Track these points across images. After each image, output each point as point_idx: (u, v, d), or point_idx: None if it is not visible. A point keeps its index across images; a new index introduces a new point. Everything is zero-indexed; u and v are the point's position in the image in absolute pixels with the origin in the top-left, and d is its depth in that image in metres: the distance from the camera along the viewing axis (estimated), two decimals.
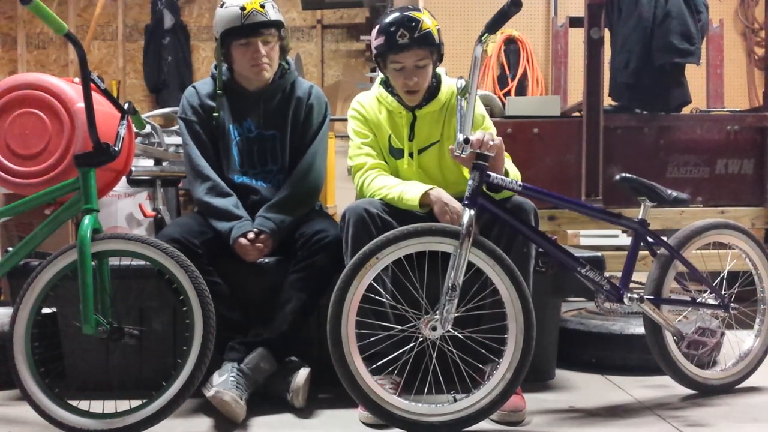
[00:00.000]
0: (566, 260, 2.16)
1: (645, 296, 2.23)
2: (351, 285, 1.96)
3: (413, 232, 1.97)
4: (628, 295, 2.19)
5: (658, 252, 2.32)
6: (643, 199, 2.28)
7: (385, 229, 2.10)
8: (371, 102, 2.43)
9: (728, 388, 2.38)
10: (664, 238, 2.36)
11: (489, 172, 2.03)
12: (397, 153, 2.41)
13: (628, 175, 2.26)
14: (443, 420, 1.95)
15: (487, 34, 2.02)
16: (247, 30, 2.36)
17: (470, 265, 1.98)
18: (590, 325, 2.66)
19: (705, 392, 2.34)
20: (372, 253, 1.96)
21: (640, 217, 2.27)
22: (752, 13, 4.88)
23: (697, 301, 2.38)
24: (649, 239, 2.30)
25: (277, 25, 2.41)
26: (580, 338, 2.65)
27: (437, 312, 1.95)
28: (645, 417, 2.14)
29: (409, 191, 2.24)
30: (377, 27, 2.29)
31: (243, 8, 2.34)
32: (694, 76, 3.82)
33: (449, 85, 2.40)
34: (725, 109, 3.86)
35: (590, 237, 3.52)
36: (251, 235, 2.30)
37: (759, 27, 4.79)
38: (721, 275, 2.45)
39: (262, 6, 2.36)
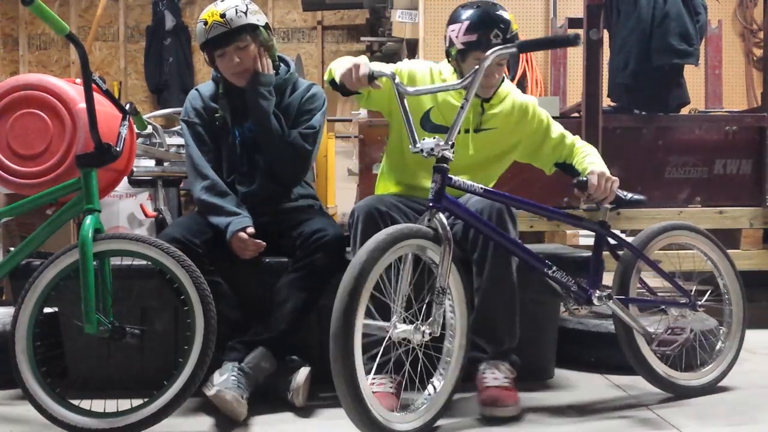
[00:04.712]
0: (531, 261, 2.14)
1: (613, 296, 2.23)
2: (355, 319, 1.81)
3: (390, 241, 1.86)
4: (597, 294, 2.19)
5: (621, 253, 2.33)
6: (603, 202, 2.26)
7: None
8: (425, 72, 2.39)
9: (707, 390, 2.36)
10: (630, 239, 2.38)
11: (451, 175, 2.01)
12: (435, 127, 2.35)
13: (582, 178, 2.23)
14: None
15: (515, 51, 2.03)
16: (213, 44, 2.38)
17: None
18: (589, 325, 2.67)
19: (681, 395, 2.32)
20: (363, 278, 1.81)
21: (599, 218, 2.28)
22: (751, 14, 4.90)
23: (665, 299, 2.39)
24: (611, 240, 2.31)
25: (246, 29, 2.36)
26: (579, 337, 2.66)
27: (424, 316, 1.92)
28: (644, 416, 2.15)
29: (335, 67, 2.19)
30: (463, 21, 2.25)
31: (205, 23, 2.37)
32: (693, 76, 3.84)
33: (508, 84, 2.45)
34: (724, 110, 3.87)
35: (589, 237, 3.52)
36: (251, 230, 2.31)
37: (757, 28, 4.81)
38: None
39: (223, 15, 2.34)
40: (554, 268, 2.14)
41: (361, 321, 1.82)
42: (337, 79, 2.13)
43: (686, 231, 2.44)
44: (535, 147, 2.47)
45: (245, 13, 2.37)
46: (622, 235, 2.44)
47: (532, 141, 2.46)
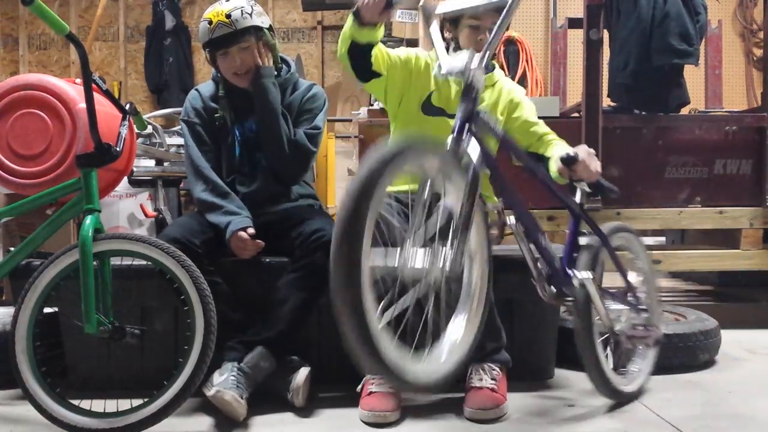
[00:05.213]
0: (529, 224, 2.02)
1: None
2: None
3: (405, 148, 1.50)
4: (578, 276, 2.08)
5: (587, 241, 2.22)
6: (582, 184, 2.25)
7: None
8: (422, 57, 2.44)
9: (639, 394, 2.30)
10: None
11: (480, 109, 1.80)
12: (434, 110, 2.41)
13: (570, 153, 2.19)
14: None
15: None
16: (217, 43, 2.39)
17: None
18: None
19: (623, 400, 2.24)
20: (372, 183, 1.43)
21: (578, 200, 2.25)
22: (751, 14, 4.89)
23: (616, 294, 2.35)
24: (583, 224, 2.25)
25: (250, 30, 2.39)
26: None
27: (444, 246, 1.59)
28: (644, 416, 2.15)
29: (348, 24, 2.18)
30: None
31: (210, 22, 2.38)
32: (693, 76, 3.83)
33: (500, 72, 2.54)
34: (724, 110, 3.87)
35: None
36: (251, 230, 2.32)
37: (757, 28, 4.81)
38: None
39: (228, 16, 2.36)
40: (546, 240, 2.06)
41: (369, 240, 1.43)
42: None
43: (627, 233, 2.42)
44: (509, 121, 2.49)
45: (250, 15, 2.39)
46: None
47: (509, 116, 2.49)
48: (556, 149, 2.38)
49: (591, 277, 2.12)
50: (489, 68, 2.48)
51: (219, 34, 2.38)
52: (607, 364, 2.19)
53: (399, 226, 2.02)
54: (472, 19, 2.35)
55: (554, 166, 2.30)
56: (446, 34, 2.43)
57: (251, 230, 2.32)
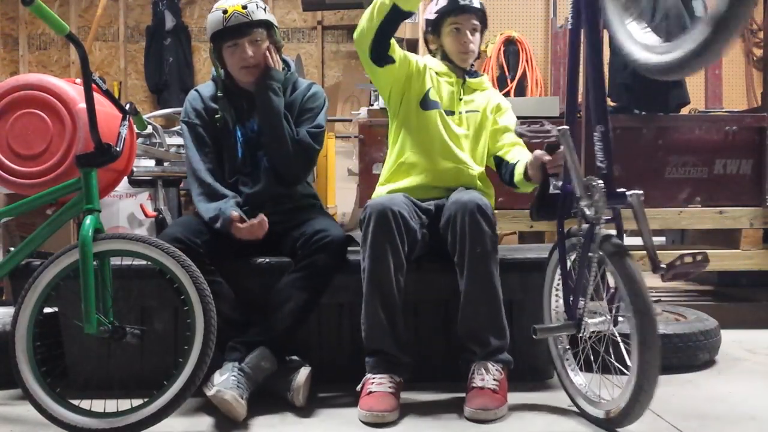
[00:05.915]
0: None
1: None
2: None
3: None
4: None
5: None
6: (556, 179, 2.25)
7: (406, 228, 2.20)
8: (422, 62, 2.55)
9: None
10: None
11: None
12: (431, 104, 2.52)
13: (555, 142, 2.14)
14: None
15: None
16: (230, 32, 2.41)
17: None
18: None
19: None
20: None
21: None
22: (751, 14, 4.89)
23: None
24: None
25: (263, 24, 2.44)
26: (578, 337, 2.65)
27: None
28: (643, 416, 2.15)
29: None
30: None
31: (225, 11, 2.40)
32: (693, 76, 3.83)
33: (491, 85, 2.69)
34: (724, 110, 3.87)
35: None
36: (235, 214, 2.29)
37: (757, 28, 4.80)
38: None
39: (244, 7, 2.40)
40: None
41: None
42: None
43: None
44: (493, 122, 2.59)
45: (264, 10, 2.45)
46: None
47: (494, 116, 2.60)
48: (523, 156, 2.44)
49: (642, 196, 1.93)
50: (475, 74, 2.62)
51: (234, 23, 2.39)
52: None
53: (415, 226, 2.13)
54: (455, 24, 2.48)
55: (520, 167, 2.39)
56: (431, 46, 2.60)
57: (235, 214, 2.28)
